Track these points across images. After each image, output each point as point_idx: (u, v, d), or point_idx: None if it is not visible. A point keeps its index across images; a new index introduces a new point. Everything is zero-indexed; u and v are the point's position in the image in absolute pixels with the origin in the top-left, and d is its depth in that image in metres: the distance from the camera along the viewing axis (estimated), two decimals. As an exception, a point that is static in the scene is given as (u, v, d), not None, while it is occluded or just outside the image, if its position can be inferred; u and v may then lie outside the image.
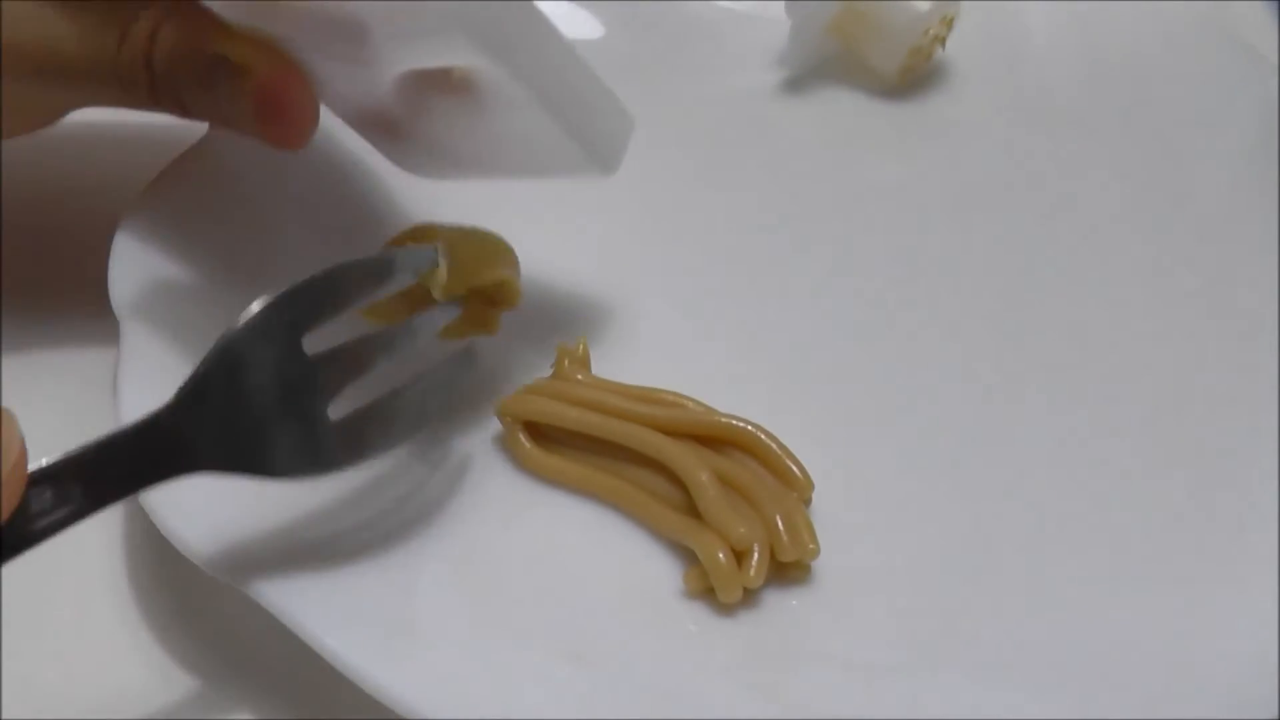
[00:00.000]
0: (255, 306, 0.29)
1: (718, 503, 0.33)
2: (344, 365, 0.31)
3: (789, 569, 0.33)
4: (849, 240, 0.42)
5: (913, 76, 0.48)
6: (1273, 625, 0.30)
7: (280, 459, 0.30)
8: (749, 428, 0.34)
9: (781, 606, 0.33)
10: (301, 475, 0.30)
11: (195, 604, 0.33)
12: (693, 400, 0.35)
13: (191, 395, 0.29)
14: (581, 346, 0.36)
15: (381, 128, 0.36)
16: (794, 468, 0.34)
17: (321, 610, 0.30)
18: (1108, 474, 0.36)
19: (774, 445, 0.34)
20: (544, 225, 0.39)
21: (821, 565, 0.33)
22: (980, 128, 0.46)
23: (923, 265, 0.41)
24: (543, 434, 0.35)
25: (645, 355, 0.38)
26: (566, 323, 0.37)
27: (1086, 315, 0.40)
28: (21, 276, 0.39)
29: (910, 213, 0.43)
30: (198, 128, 0.38)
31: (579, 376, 0.36)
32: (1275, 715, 0.28)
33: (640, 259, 0.40)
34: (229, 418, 0.29)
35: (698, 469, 0.33)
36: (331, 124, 0.36)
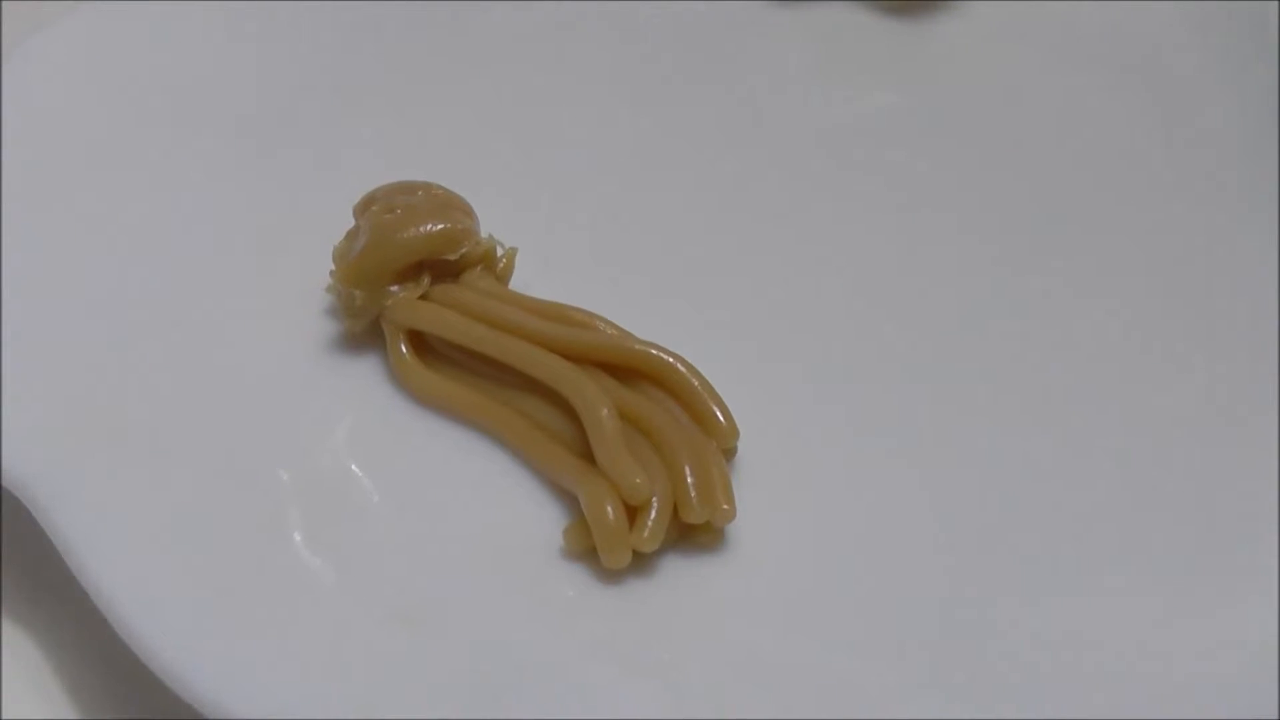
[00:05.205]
0: None
1: (614, 443, 0.28)
2: None
3: (696, 532, 0.28)
4: (823, 172, 0.36)
5: (923, -9, 0.41)
6: (1273, 624, 0.27)
7: None
8: (667, 358, 0.29)
9: (683, 578, 0.28)
10: None
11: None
12: (607, 322, 0.30)
13: None
14: (508, 255, 0.32)
15: None
16: (716, 410, 0.29)
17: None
18: (1096, 443, 0.30)
19: (695, 381, 0.29)
20: (485, 138, 0.35)
21: (738, 532, 0.28)
22: (990, 57, 0.40)
23: (901, 202, 0.36)
24: (431, 349, 0.31)
25: (571, 274, 0.33)
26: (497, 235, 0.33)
27: (1089, 271, 0.34)
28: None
29: (899, 146, 0.37)
30: None
31: (483, 285, 0.31)
32: (1276, 716, 0.25)
33: (583, 174, 0.35)
34: None
35: (596, 401, 0.28)
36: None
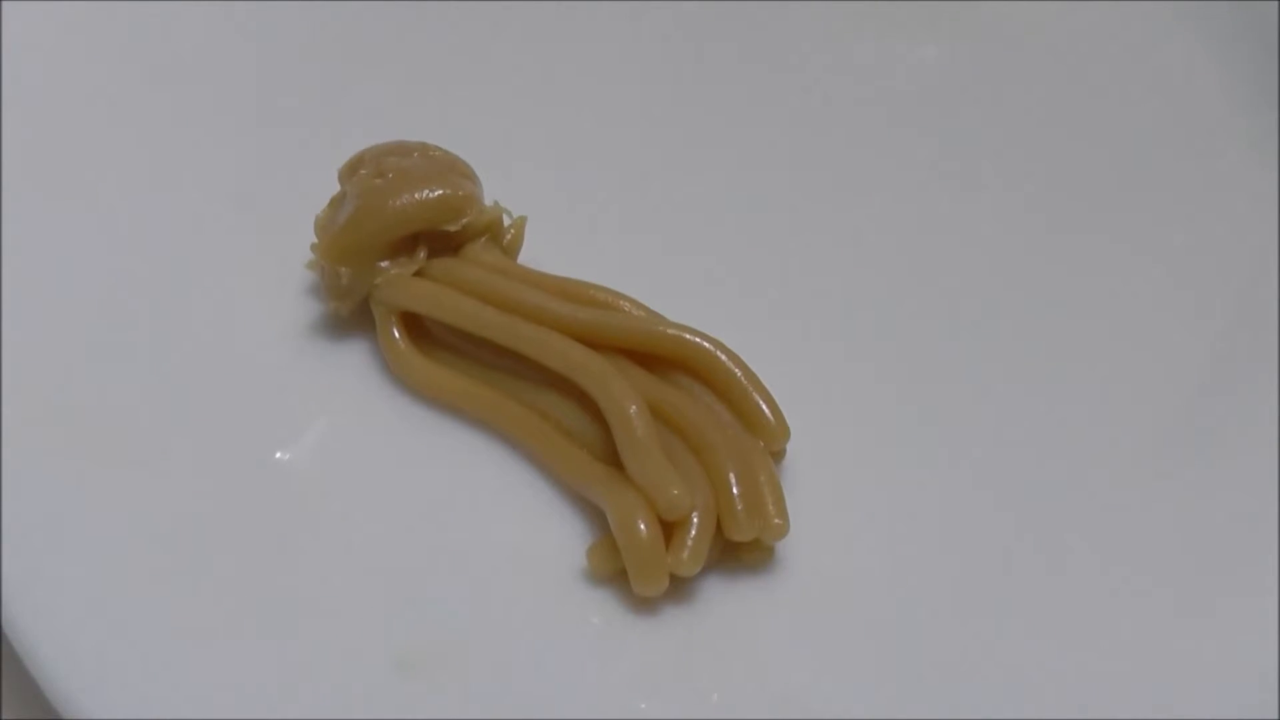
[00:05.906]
0: None
1: (646, 447, 0.26)
2: None
3: (743, 551, 0.26)
4: (868, 136, 0.34)
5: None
6: (1273, 624, 0.26)
7: None
8: (704, 344, 0.27)
9: (728, 604, 0.26)
10: None
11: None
12: (633, 302, 0.28)
13: None
14: (516, 225, 0.30)
15: None
16: (763, 405, 0.27)
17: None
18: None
19: (738, 371, 0.27)
20: (489, 94, 0.33)
21: (790, 550, 0.26)
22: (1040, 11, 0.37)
23: (949, 171, 0.34)
24: (429, 335, 0.29)
25: (590, 247, 0.31)
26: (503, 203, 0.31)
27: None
28: None
29: (940, 107, 0.35)
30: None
31: (487, 259, 0.29)
32: (1276, 716, 0.25)
33: (602, 133, 0.33)
34: None
35: (624, 397, 0.26)
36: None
